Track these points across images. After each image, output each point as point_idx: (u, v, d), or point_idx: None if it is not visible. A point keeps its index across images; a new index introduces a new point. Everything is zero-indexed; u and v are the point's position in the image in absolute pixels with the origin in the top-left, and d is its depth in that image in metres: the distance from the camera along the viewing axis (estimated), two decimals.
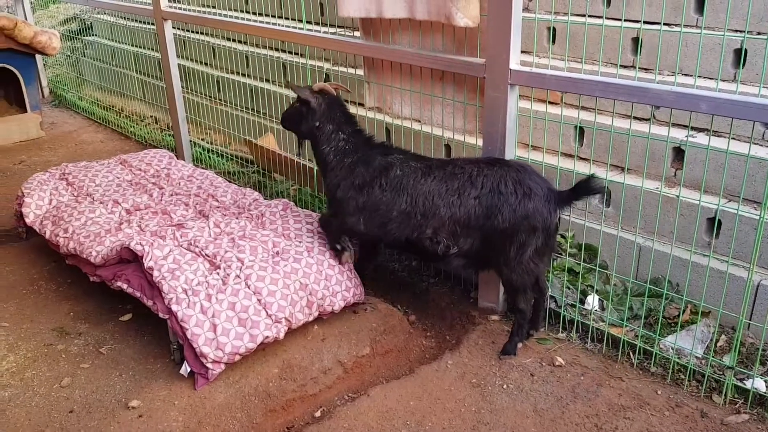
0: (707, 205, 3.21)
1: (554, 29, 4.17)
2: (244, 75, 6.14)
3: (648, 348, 3.09)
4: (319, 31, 4.28)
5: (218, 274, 3.17)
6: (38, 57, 7.39)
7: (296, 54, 5.61)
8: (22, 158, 6.31)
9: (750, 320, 3.12)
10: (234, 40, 6.35)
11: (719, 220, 3.27)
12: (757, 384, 2.83)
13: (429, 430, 2.77)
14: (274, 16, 5.59)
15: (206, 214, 3.81)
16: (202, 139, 6.19)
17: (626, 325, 3.23)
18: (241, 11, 6.36)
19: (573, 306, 3.37)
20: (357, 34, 4.06)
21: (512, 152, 3.26)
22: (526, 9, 4.29)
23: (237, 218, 3.70)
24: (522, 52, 3.13)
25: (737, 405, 2.81)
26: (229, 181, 4.52)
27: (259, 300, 3.07)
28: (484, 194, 3.01)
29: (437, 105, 3.69)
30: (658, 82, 2.75)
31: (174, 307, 2.97)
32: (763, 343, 3.03)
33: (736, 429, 2.69)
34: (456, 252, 3.14)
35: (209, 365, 2.88)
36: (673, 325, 3.25)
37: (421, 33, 3.56)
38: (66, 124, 7.53)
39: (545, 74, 2.98)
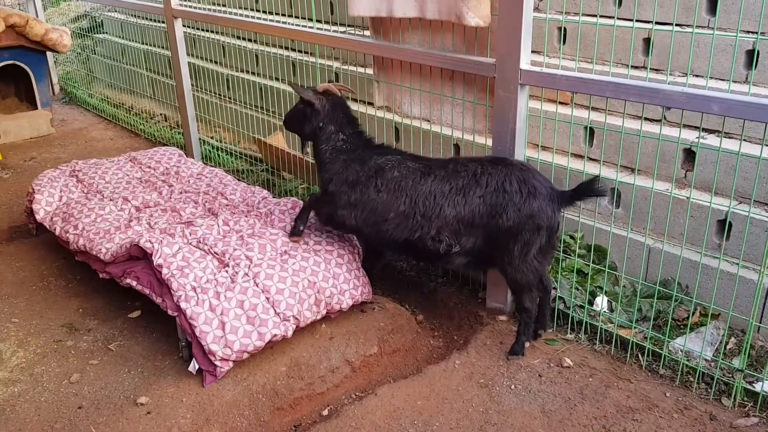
0: (718, 206, 3.20)
1: (565, 29, 4.16)
2: (253, 73, 6.16)
3: (657, 350, 3.08)
4: (329, 30, 4.27)
5: (227, 271, 3.18)
6: (49, 54, 7.44)
7: (306, 53, 5.62)
8: (32, 155, 6.34)
9: (760, 323, 3.10)
10: (244, 39, 6.36)
11: (730, 222, 3.25)
12: (767, 387, 2.82)
13: (436, 429, 2.77)
14: (284, 15, 5.60)
15: (215, 212, 3.82)
16: (212, 137, 6.20)
17: (635, 327, 3.22)
18: (252, 10, 6.37)
19: (581, 307, 3.36)
20: (367, 33, 4.06)
21: (522, 152, 3.25)
22: (536, 9, 4.28)
23: (246, 216, 3.70)
24: (532, 52, 3.13)
25: (746, 408, 2.79)
26: (238, 180, 4.52)
27: (267, 298, 3.08)
28: (488, 193, 3.01)
29: (447, 104, 3.69)
30: (669, 83, 2.74)
31: (183, 305, 2.97)
32: None
33: None
34: (458, 251, 3.13)
35: (218, 363, 2.89)
36: (682, 327, 3.23)
37: (432, 32, 3.56)
38: (76, 121, 7.57)
39: (556, 74, 2.97)
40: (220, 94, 6.47)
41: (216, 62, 6.72)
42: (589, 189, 2.94)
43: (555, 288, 3.44)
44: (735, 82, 3.53)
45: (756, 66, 3.47)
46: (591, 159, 3.84)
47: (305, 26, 4.62)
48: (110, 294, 3.74)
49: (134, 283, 3.25)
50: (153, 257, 3.17)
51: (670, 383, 2.97)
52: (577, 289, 3.45)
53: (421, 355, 3.39)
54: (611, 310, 3.38)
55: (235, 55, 6.32)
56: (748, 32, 3.59)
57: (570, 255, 3.58)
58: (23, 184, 5.44)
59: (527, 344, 3.20)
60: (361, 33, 4.17)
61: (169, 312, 3.05)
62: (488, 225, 3.03)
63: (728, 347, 3.12)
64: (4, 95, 7.12)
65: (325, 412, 2.97)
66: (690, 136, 3.48)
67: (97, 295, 3.78)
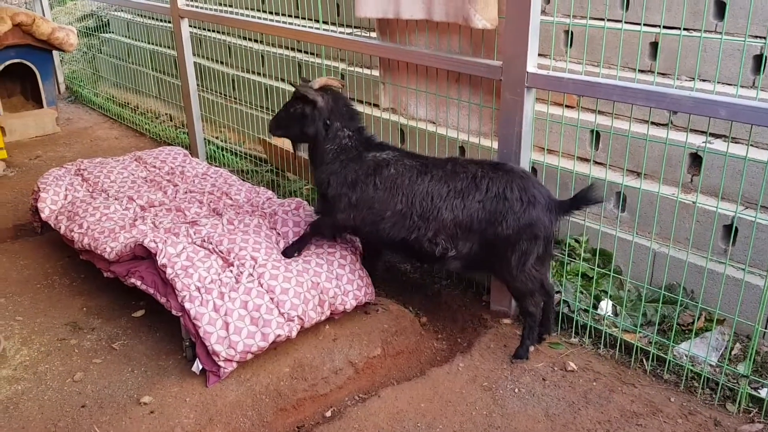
0: (724, 211, 3.18)
1: (572, 33, 4.15)
2: (259, 74, 6.16)
3: (661, 355, 3.07)
4: (335, 31, 4.28)
5: (231, 271, 3.18)
6: (55, 53, 7.46)
7: (312, 54, 5.62)
8: (37, 153, 6.36)
9: (766, 329, 3.08)
10: (250, 39, 6.37)
11: (736, 227, 3.24)
12: None
13: None
14: (290, 16, 5.60)
15: (220, 212, 3.82)
16: (217, 137, 6.21)
17: (640, 332, 3.21)
18: (258, 10, 6.37)
19: (586, 311, 3.35)
20: (373, 34, 4.06)
21: (528, 155, 3.24)
22: (543, 12, 4.27)
23: (250, 216, 3.70)
24: (539, 55, 3.12)
25: (751, 414, 2.78)
26: (243, 180, 4.52)
27: (272, 299, 3.07)
28: (489, 198, 2.98)
29: (453, 107, 3.68)
30: (676, 87, 2.73)
31: (187, 305, 2.97)
32: None
33: None
34: (454, 255, 3.11)
35: (221, 363, 2.89)
36: (687, 332, 3.22)
37: (438, 34, 3.55)
38: (81, 120, 7.58)
39: (563, 77, 2.97)
40: (225, 95, 6.47)
41: (222, 62, 6.72)
42: (586, 197, 2.93)
43: (559, 292, 3.43)
44: (742, 87, 3.52)
45: (763, 71, 3.46)
46: (597, 163, 3.83)
47: (311, 27, 4.62)
48: (114, 293, 3.75)
49: (138, 283, 3.25)
50: (157, 257, 3.17)
51: (674, 388, 2.96)
52: (582, 293, 3.44)
53: (424, 357, 3.39)
54: (616, 314, 3.37)
55: (241, 55, 6.33)
56: (756, 37, 3.58)
57: (575, 259, 3.57)
58: (28, 183, 5.45)
59: (531, 348, 3.20)
60: (368, 34, 4.17)
61: (173, 312, 3.05)
62: (486, 231, 3.01)
63: (733, 353, 3.11)
64: (10, 93, 7.14)
65: (328, 414, 2.97)
66: (696, 140, 3.48)
67: (102, 294, 3.79)
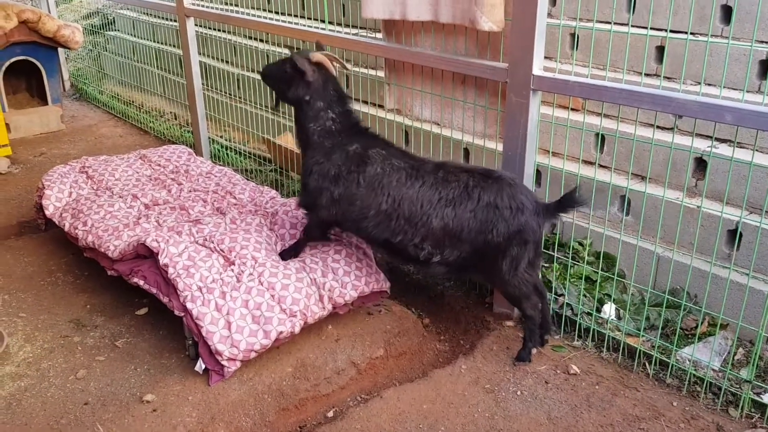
0: (729, 216, 3.18)
1: (577, 36, 4.15)
2: None
3: (664, 359, 3.06)
4: (341, 32, 4.28)
5: (232, 270, 3.18)
6: (61, 50, 7.46)
7: None
8: (42, 150, 6.37)
9: None
10: (255, 39, 6.37)
11: (740, 232, 3.24)
12: None
13: None
14: (296, 16, 5.61)
15: (224, 211, 3.83)
16: (221, 137, 6.22)
17: (643, 335, 3.21)
18: (263, 10, 6.38)
19: (589, 314, 3.35)
20: (379, 35, 4.06)
21: (533, 158, 3.24)
22: (549, 15, 4.27)
23: (252, 215, 3.70)
24: (544, 57, 3.12)
25: (754, 419, 2.78)
26: (247, 179, 4.53)
27: (272, 296, 3.08)
28: (480, 208, 2.97)
29: (458, 108, 3.68)
30: (681, 92, 2.73)
31: (189, 305, 2.98)
32: None
33: None
34: (438, 260, 3.10)
35: (224, 363, 2.89)
36: (690, 336, 3.22)
37: (444, 36, 3.56)
38: (86, 117, 7.59)
39: (569, 80, 2.97)
40: (230, 94, 6.48)
41: (227, 62, 6.73)
42: (570, 200, 2.94)
43: (562, 295, 3.43)
44: (748, 91, 3.51)
45: None
46: (602, 166, 3.83)
47: (317, 27, 4.62)
48: (118, 291, 3.75)
49: (141, 283, 3.26)
50: (159, 257, 3.18)
51: (677, 393, 2.96)
52: (585, 296, 3.44)
53: (427, 358, 3.39)
54: (619, 317, 3.36)
55: (246, 54, 6.34)
56: (762, 42, 3.58)
57: (578, 262, 3.57)
58: (33, 180, 5.46)
59: (534, 350, 3.19)
60: (373, 35, 4.18)
61: (176, 312, 3.05)
62: (476, 240, 2.99)
63: (736, 358, 3.11)
64: (15, 90, 7.15)
65: (330, 414, 2.97)
66: (701, 145, 3.47)
67: (105, 292, 3.79)
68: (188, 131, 6.41)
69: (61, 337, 3.37)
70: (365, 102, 4.91)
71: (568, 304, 3.40)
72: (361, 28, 4.55)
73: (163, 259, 3.16)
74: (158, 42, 7.76)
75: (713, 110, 2.56)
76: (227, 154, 5.86)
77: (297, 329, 3.07)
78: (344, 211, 3.17)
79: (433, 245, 3.05)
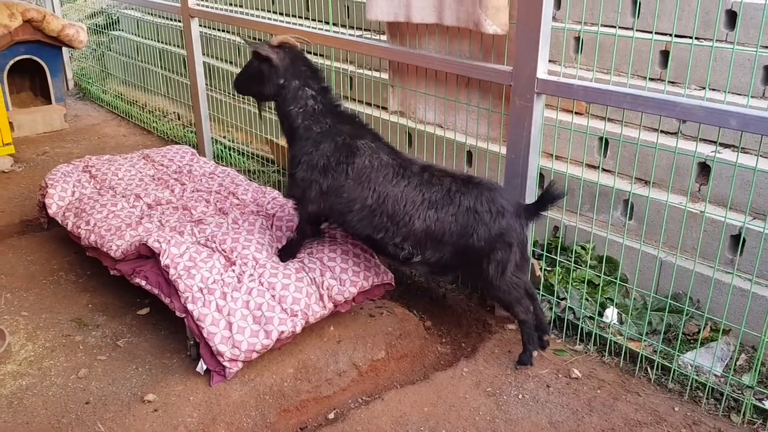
0: (732, 221, 3.18)
1: (582, 39, 4.15)
2: None
3: (666, 364, 3.06)
4: (345, 33, 4.28)
5: (233, 271, 3.18)
6: (65, 50, 7.47)
7: (320, 55, 5.62)
8: (45, 149, 6.37)
9: None
10: (259, 40, 6.37)
11: (744, 238, 3.23)
12: None
13: None
14: (300, 17, 5.61)
15: (226, 212, 3.83)
16: (224, 137, 6.22)
17: (645, 340, 3.20)
18: (268, 11, 6.39)
19: (591, 318, 3.34)
20: (383, 37, 4.06)
21: (536, 161, 3.24)
22: (554, 18, 4.27)
23: (255, 216, 3.70)
24: (549, 61, 3.12)
25: (756, 425, 2.77)
26: (250, 180, 4.53)
27: (273, 296, 3.07)
28: (461, 212, 2.98)
29: (462, 111, 3.68)
30: (686, 96, 2.73)
31: (190, 306, 2.98)
32: None
33: None
34: (419, 260, 3.10)
35: (226, 364, 2.89)
36: (692, 341, 3.22)
37: (449, 38, 3.56)
38: (89, 116, 7.60)
39: (573, 84, 2.97)
40: (233, 95, 6.48)
41: (231, 62, 6.73)
42: (549, 196, 2.94)
43: (564, 299, 3.43)
44: (753, 97, 3.51)
45: None
46: (605, 170, 3.83)
47: (321, 29, 4.63)
48: (120, 290, 3.75)
49: (143, 283, 3.25)
50: (160, 257, 3.17)
51: (678, 398, 2.95)
52: (588, 300, 3.44)
53: (428, 361, 3.38)
54: (621, 322, 3.36)
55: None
56: (767, 48, 3.57)
57: (581, 266, 3.57)
58: (35, 178, 5.46)
59: (535, 353, 3.19)
60: (377, 37, 4.18)
61: (177, 313, 3.05)
62: (458, 243, 3.00)
63: (738, 363, 3.10)
64: (19, 89, 7.16)
65: (332, 416, 2.97)
66: (705, 150, 3.47)
67: (107, 291, 3.79)
68: (191, 131, 6.41)
69: (62, 336, 3.37)
70: (369, 104, 4.91)
71: (570, 308, 3.40)
72: (365, 30, 4.55)
73: (164, 260, 3.16)
74: (162, 42, 7.77)
75: (718, 115, 2.55)
76: (230, 154, 5.86)
77: (298, 329, 3.06)
78: (332, 204, 3.15)
79: (413, 245, 3.05)
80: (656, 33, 3.95)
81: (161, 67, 7.53)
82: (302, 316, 3.08)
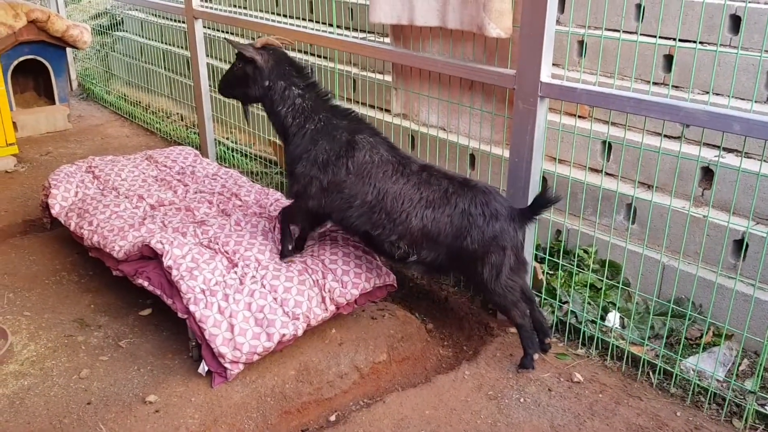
0: (735, 226, 3.17)
1: (586, 43, 4.15)
2: None
3: (668, 368, 3.05)
4: (349, 36, 4.28)
5: (236, 272, 3.18)
6: (69, 50, 7.48)
7: (324, 58, 5.63)
8: (48, 149, 6.38)
9: None
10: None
11: (747, 243, 3.23)
12: None
13: None
14: (304, 19, 5.62)
15: (229, 213, 3.83)
16: (227, 138, 6.23)
17: (647, 344, 3.20)
18: (272, 13, 6.40)
19: (593, 322, 3.34)
20: (386, 39, 4.06)
21: (539, 164, 3.24)
22: (558, 22, 4.27)
23: (257, 218, 3.70)
24: (552, 64, 3.12)
25: (758, 431, 2.77)
26: (253, 181, 4.53)
27: (275, 298, 3.07)
28: (456, 214, 2.99)
29: (465, 114, 3.68)
30: (690, 101, 2.73)
31: (192, 308, 2.98)
32: None
33: None
34: (415, 260, 3.11)
35: (227, 365, 2.89)
36: (694, 346, 3.21)
37: (452, 42, 3.56)
38: (93, 117, 7.61)
39: (576, 88, 2.96)
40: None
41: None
42: (543, 201, 2.94)
43: (567, 302, 3.43)
44: (757, 102, 3.51)
45: None
46: (608, 174, 3.82)
47: (325, 31, 4.63)
48: (122, 291, 3.76)
49: (146, 284, 3.26)
50: (163, 258, 3.18)
51: (680, 402, 2.95)
52: (590, 304, 3.43)
53: (430, 364, 3.38)
54: (623, 326, 3.36)
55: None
56: None
57: (583, 269, 3.56)
58: (38, 178, 5.47)
59: (536, 356, 3.18)
60: (381, 40, 4.18)
61: (179, 314, 3.05)
62: (453, 245, 3.01)
63: (741, 368, 3.09)
64: (23, 89, 7.18)
65: (333, 418, 2.96)
66: (708, 154, 3.47)
67: (109, 292, 3.80)
68: (194, 132, 6.42)
69: (64, 336, 3.38)
70: (372, 106, 4.91)
71: (572, 312, 3.40)
72: (369, 32, 4.56)
73: (167, 261, 3.16)
74: (166, 43, 7.78)
75: (721, 120, 2.55)
76: (233, 156, 5.87)
77: (300, 332, 3.07)
78: (332, 200, 3.14)
79: (409, 244, 3.06)
80: (660, 37, 3.94)
81: (165, 68, 7.54)
82: (304, 319, 3.08)
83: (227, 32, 6.86)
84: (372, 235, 3.12)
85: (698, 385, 2.95)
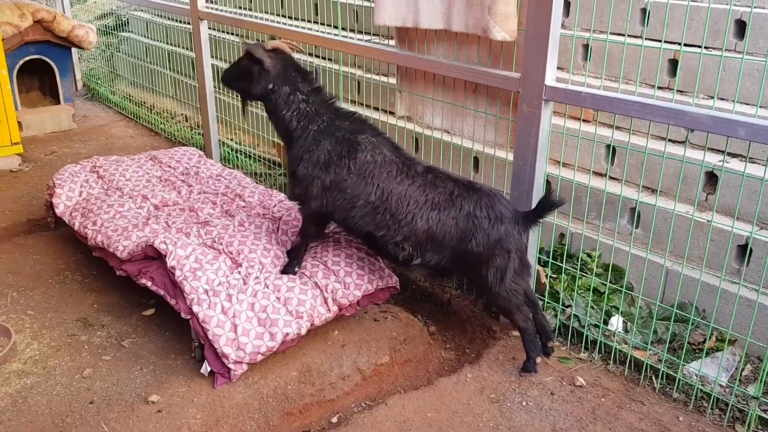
0: (739, 231, 3.17)
1: (591, 47, 4.15)
2: None
3: (671, 373, 3.05)
4: (354, 38, 4.29)
5: (239, 272, 3.19)
6: (74, 50, 7.51)
7: (329, 60, 5.64)
8: (53, 149, 6.40)
9: None
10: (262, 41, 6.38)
11: (750, 248, 3.22)
12: None
13: None
14: (309, 21, 5.63)
15: (232, 214, 3.83)
16: (231, 139, 6.24)
17: (650, 349, 3.19)
18: (277, 14, 6.40)
19: (596, 326, 3.33)
20: (391, 42, 4.07)
21: (543, 168, 3.24)
22: (563, 25, 4.27)
23: (261, 219, 3.71)
24: (557, 68, 3.12)
25: None
26: (257, 183, 4.54)
27: (278, 297, 3.08)
28: (461, 216, 2.99)
29: (469, 117, 3.68)
30: (694, 106, 2.72)
31: (195, 308, 2.98)
32: None
33: None
34: (419, 263, 3.10)
35: (231, 366, 2.89)
36: (697, 351, 3.20)
37: (457, 44, 3.56)
38: (97, 117, 7.63)
39: (581, 92, 2.96)
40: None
41: None
42: (547, 204, 2.95)
43: (570, 306, 3.42)
44: (761, 107, 3.50)
45: None
46: (612, 178, 3.82)
47: (330, 33, 4.64)
48: (125, 290, 3.76)
49: (149, 284, 3.26)
50: (167, 259, 3.18)
51: (683, 407, 2.94)
52: (593, 308, 3.43)
53: (432, 366, 3.38)
54: (626, 330, 3.35)
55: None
56: None
57: (587, 273, 3.56)
58: (43, 178, 5.49)
59: (539, 360, 3.18)
60: (386, 42, 4.19)
61: (183, 314, 3.05)
62: (458, 248, 3.01)
63: (744, 374, 3.09)
64: (28, 89, 7.20)
65: (335, 420, 2.96)
66: (713, 159, 3.46)
67: (113, 291, 3.80)
68: (199, 133, 6.43)
69: (68, 335, 3.38)
70: (376, 108, 4.92)
71: (575, 316, 3.39)
72: (374, 34, 4.56)
73: (170, 262, 3.17)
74: (171, 44, 7.80)
75: (726, 125, 2.55)
76: (237, 157, 5.88)
77: (303, 331, 3.06)
78: (335, 200, 3.14)
79: (414, 246, 3.06)
80: (665, 42, 3.94)
81: (170, 69, 7.56)
82: (307, 317, 3.08)
83: (232, 34, 6.87)
84: (375, 237, 3.11)
85: (701, 390, 2.95)
